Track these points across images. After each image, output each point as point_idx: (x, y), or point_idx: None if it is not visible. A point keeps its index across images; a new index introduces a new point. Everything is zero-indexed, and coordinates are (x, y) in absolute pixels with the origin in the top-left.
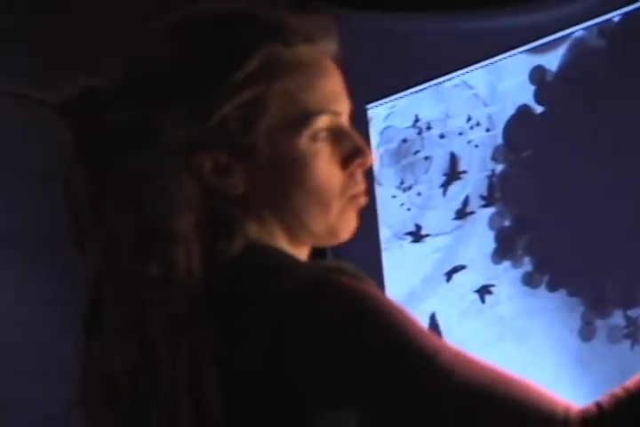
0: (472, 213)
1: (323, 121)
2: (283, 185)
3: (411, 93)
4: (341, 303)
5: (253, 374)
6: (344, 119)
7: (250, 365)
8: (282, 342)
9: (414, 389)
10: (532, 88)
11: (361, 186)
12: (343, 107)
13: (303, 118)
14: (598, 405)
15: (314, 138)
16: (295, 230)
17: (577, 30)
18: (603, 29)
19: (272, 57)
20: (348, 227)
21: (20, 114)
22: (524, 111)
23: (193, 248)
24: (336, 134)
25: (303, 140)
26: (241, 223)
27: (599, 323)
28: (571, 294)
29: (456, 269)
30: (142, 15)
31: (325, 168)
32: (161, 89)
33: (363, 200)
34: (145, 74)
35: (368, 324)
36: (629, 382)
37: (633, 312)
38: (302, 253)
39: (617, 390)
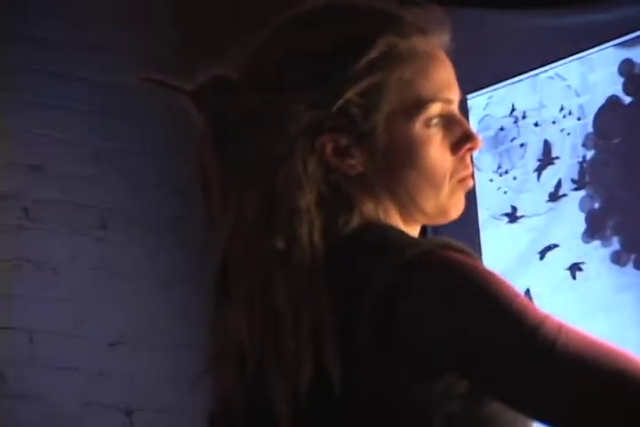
0: (564, 195)
1: (436, 108)
2: (398, 167)
3: (508, 84)
4: (450, 276)
5: (368, 343)
6: (455, 107)
7: (365, 335)
8: (395, 311)
9: (518, 357)
10: (620, 80)
11: (469, 169)
12: (454, 95)
13: (418, 105)
14: None
15: (427, 124)
16: (408, 209)
17: None
18: None
19: (391, 48)
20: (457, 207)
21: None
22: (613, 101)
23: (314, 223)
24: (447, 121)
25: (417, 126)
26: (358, 202)
27: None
28: None
29: (549, 248)
30: (269, 9)
31: (437, 152)
32: (289, 76)
33: (470, 182)
34: (275, 61)
35: (474, 294)
36: None
37: None
38: (414, 231)
39: None
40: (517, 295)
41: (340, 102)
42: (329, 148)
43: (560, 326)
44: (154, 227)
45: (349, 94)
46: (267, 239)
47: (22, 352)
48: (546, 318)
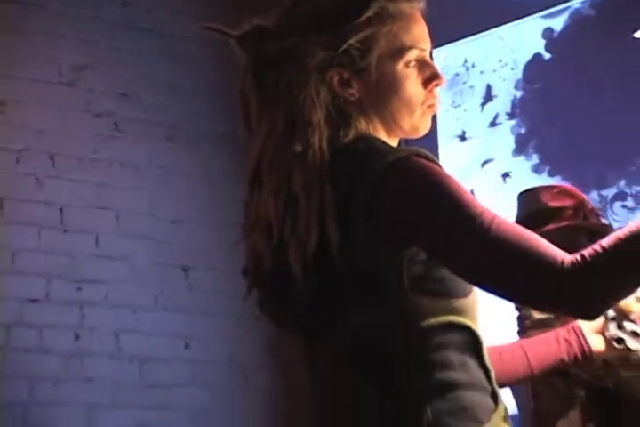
0: (500, 123)
1: (413, 54)
2: (384, 95)
3: (462, 43)
4: (419, 175)
5: (360, 222)
6: (427, 54)
7: (358, 216)
8: (379, 197)
9: (462, 236)
10: (543, 42)
11: (435, 99)
12: (427, 46)
13: (401, 51)
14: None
15: (407, 65)
16: (390, 126)
17: (575, 3)
18: (593, 2)
19: (382, 9)
20: (425, 126)
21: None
22: (537, 57)
23: (323, 134)
24: (421, 64)
25: (400, 66)
26: (355, 120)
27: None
28: (563, 179)
29: (488, 161)
30: None
31: (413, 85)
32: (309, 27)
33: (436, 109)
34: (298, 16)
35: (436, 189)
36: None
37: (604, 192)
38: (394, 143)
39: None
40: (466, 193)
41: (345, 46)
42: (335, 79)
43: (494, 216)
44: (208, 140)
45: (351, 41)
46: (289, 145)
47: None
48: (484, 210)
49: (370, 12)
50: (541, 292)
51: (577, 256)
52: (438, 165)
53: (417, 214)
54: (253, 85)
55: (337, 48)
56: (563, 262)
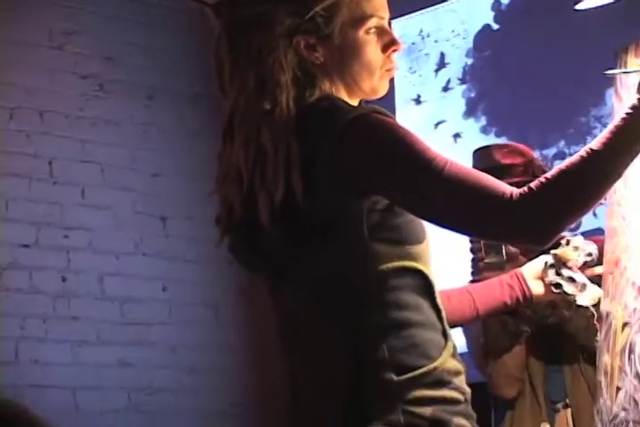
0: (452, 88)
1: (373, 21)
2: (346, 59)
3: (418, 14)
4: (379, 129)
5: (323, 173)
6: (386, 22)
7: (322, 167)
8: (341, 150)
9: (420, 178)
10: (492, 13)
11: (393, 64)
12: (386, 14)
13: (362, 19)
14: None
15: (367, 32)
16: (352, 88)
17: None
18: None
19: None
20: (383, 88)
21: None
22: (486, 27)
23: (290, 93)
24: (380, 31)
25: (361, 33)
26: (319, 81)
27: None
28: (509, 139)
29: (440, 122)
30: None
31: (373, 51)
32: None
33: (393, 72)
34: None
35: (394, 141)
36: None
37: (546, 151)
38: (355, 103)
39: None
40: (420, 142)
41: (311, 13)
42: (302, 44)
43: (447, 160)
44: (184, 99)
45: (317, 9)
46: (259, 103)
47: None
48: (437, 155)
49: None
50: (494, 222)
51: (524, 188)
52: (395, 120)
53: (377, 164)
54: (227, 49)
55: (303, 15)
56: (512, 194)
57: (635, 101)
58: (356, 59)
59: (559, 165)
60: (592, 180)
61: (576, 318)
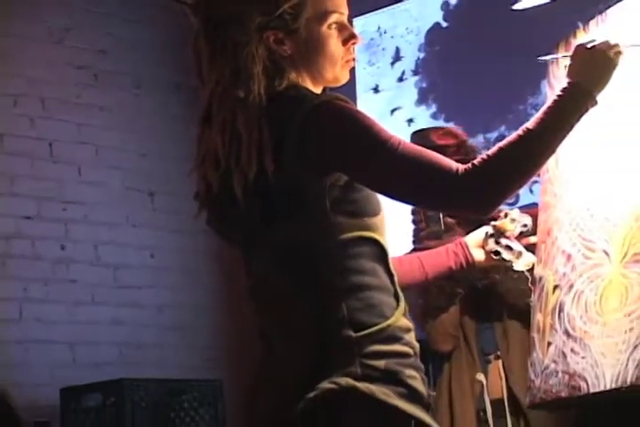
0: (406, 79)
1: (334, 17)
2: (311, 51)
3: (376, 13)
4: (340, 114)
5: (291, 154)
6: (345, 18)
7: (289, 150)
8: (307, 133)
9: (377, 156)
10: (441, 13)
11: (352, 55)
12: (346, 11)
13: (325, 14)
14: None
15: (329, 26)
16: (316, 78)
17: None
18: None
19: None
20: (344, 77)
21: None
22: (436, 25)
23: (261, 83)
24: (341, 26)
25: (324, 28)
26: (287, 72)
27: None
28: (456, 124)
29: (396, 109)
30: None
31: (334, 44)
32: None
33: (352, 63)
34: None
35: (353, 124)
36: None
37: (489, 135)
38: (319, 91)
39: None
40: (376, 124)
41: (279, 11)
42: (271, 38)
43: (400, 140)
44: (168, 88)
45: (285, 6)
46: (234, 92)
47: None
48: (392, 135)
49: None
50: (443, 194)
51: (469, 164)
52: (355, 106)
53: (338, 144)
54: (204, 44)
55: (273, 13)
56: (457, 169)
57: (565, 85)
58: (320, 51)
59: (499, 143)
60: (527, 155)
61: (505, 281)
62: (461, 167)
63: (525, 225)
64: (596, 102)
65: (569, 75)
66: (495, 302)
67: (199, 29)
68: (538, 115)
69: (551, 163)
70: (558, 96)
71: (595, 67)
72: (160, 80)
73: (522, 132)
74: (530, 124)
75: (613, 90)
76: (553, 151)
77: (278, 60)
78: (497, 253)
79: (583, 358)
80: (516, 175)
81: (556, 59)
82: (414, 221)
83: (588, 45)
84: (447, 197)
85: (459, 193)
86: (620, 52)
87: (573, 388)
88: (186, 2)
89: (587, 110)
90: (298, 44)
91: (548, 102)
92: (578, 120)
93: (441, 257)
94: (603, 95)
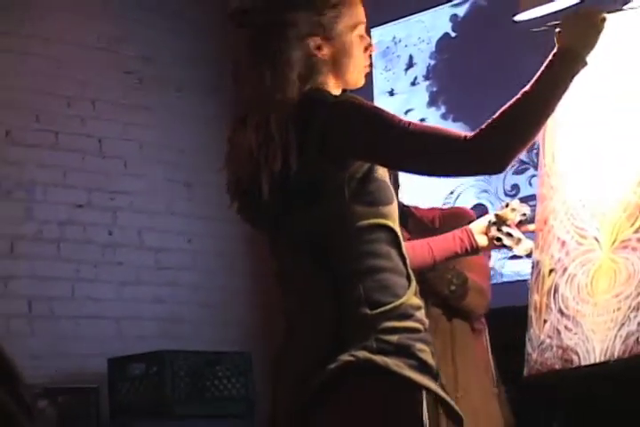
0: (418, 83)
1: (361, 27)
2: (343, 57)
3: (392, 24)
4: (354, 108)
5: (314, 149)
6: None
7: (313, 144)
8: (327, 128)
9: (392, 136)
10: (450, 24)
11: (370, 61)
12: (365, 22)
13: (355, 25)
14: None
15: (357, 35)
16: (340, 80)
17: None
18: None
19: None
20: (361, 81)
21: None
22: (446, 35)
23: (295, 86)
24: (362, 36)
25: (354, 36)
26: (318, 75)
27: None
28: (464, 124)
29: (409, 110)
30: None
31: (359, 51)
32: (291, 5)
33: (368, 69)
34: None
35: (369, 115)
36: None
37: None
38: (338, 92)
39: None
40: (388, 111)
41: (319, 20)
42: (311, 44)
43: (410, 120)
44: (206, 91)
45: (324, 17)
46: (272, 95)
47: (135, 152)
48: (402, 118)
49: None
50: (457, 160)
51: (476, 130)
52: (371, 102)
53: (357, 131)
54: (246, 50)
55: (313, 21)
56: (466, 136)
57: (555, 50)
58: (350, 57)
59: (501, 108)
60: (528, 115)
61: (431, 270)
62: (470, 134)
63: (524, 214)
64: (585, 63)
65: (559, 41)
66: (421, 289)
67: (242, 37)
68: (534, 79)
69: (548, 158)
70: (550, 61)
71: (582, 32)
72: (198, 84)
73: (521, 95)
74: (527, 87)
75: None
76: (552, 110)
77: (313, 65)
78: (499, 239)
79: (575, 334)
80: (520, 134)
81: (548, 28)
82: None
83: (575, 13)
84: (461, 162)
85: (472, 157)
86: (604, 18)
87: (566, 361)
88: (233, 13)
89: (578, 71)
90: (333, 50)
91: (543, 67)
92: (571, 80)
93: (448, 242)
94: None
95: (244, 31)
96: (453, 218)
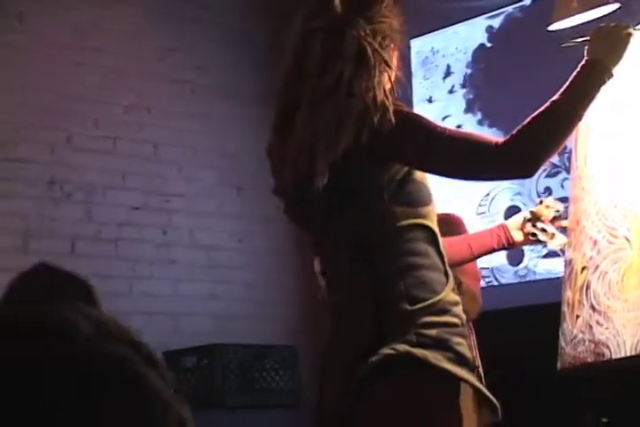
0: (455, 91)
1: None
2: (390, 61)
3: (430, 35)
4: (401, 115)
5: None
6: None
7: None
8: (374, 133)
9: (429, 140)
10: (486, 35)
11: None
12: None
13: (400, 32)
14: None
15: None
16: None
17: (509, 8)
18: (522, 8)
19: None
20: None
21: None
22: (481, 45)
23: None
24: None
25: (398, 42)
26: (370, 76)
27: None
28: (498, 130)
29: (447, 117)
30: None
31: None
32: (351, 9)
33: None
34: (343, 2)
35: (410, 119)
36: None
37: None
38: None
39: None
40: (426, 118)
41: (375, 22)
42: (368, 48)
43: (447, 127)
44: (254, 99)
45: (379, 19)
46: (336, 96)
47: (188, 157)
48: (439, 125)
49: (384, 4)
50: (489, 164)
51: (506, 136)
52: (409, 109)
53: (399, 139)
54: (305, 54)
55: (370, 23)
56: (498, 142)
57: (583, 62)
58: (393, 60)
59: (531, 115)
60: (557, 122)
61: None
62: (501, 140)
63: (558, 211)
64: (612, 75)
65: (587, 53)
66: None
67: (298, 42)
68: (563, 88)
69: (580, 161)
70: (579, 71)
71: (609, 45)
72: (247, 92)
73: (550, 103)
74: (556, 96)
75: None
76: (579, 118)
77: (366, 67)
78: (534, 234)
79: (607, 329)
80: (548, 140)
81: (576, 43)
82: None
83: (603, 28)
84: (493, 166)
85: (503, 162)
86: (630, 33)
87: (598, 354)
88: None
89: (604, 82)
90: (386, 48)
91: (571, 77)
92: (598, 91)
93: (485, 239)
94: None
95: (307, 36)
96: (444, 224)
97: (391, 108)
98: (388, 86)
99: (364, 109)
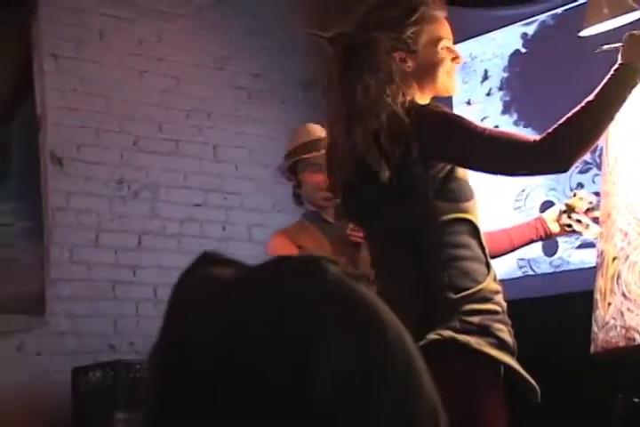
0: (493, 94)
1: (445, 42)
2: (429, 68)
3: (468, 42)
4: (442, 116)
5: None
6: (451, 43)
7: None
8: (420, 134)
9: (471, 139)
10: (521, 41)
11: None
12: (451, 38)
13: (438, 39)
14: None
15: (442, 48)
16: (428, 88)
17: (542, 16)
18: (554, 15)
19: (424, 13)
20: (453, 89)
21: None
22: (516, 51)
23: (396, 94)
24: (449, 48)
25: (438, 49)
26: (407, 85)
27: None
28: (533, 130)
29: (484, 118)
30: None
31: (447, 61)
32: (379, 25)
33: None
34: (371, 19)
35: (452, 121)
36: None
37: None
38: (426, 99)
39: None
40: (467, 119)
41: (403, 37)
42: (397, 58)
43: (486, 126)
44: (306, 104)
45: (407, 33)
46: (377, 104)
47: (245, 157)
48: (479, 125)
49: (416, 16)
50: (525, 161)
51: (542, 135)
52: (449, 110)
53: (443, 138)
54: (337, 66)
55: (399, 38)
56: (535, 140)
57: (616, 65)
58: (433, 67)
59: (566, 116)
60: (590, 121)
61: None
62: (538, 137)
63: (591, 202)
64: None
65: (621, 57)
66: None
67: (335, 55)
68: (597, 90)
69: (611, 158)
70: (612, 74)
71: None
72: (299, 97)
73: (584, 104)
74: (590, 97)
75: None
76: (611, 118)
77: (403, 75)
78: (569, 225)
79: (637, 315)
80: (582, 138)
81: (610, 49)
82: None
83: (636, 33)
84: (530, 163)
85: (539, 158)
86: None
87: (629, 339)
88: (324, 36)
89: (636, 84)
90: (416, 62)
91: (605, 80)
92: (630, 92)
93: (524, 231)
94: None
95: (342, 49)
96: None
97: (435, 111)
98: (417, 95)
99: (408, 115)
